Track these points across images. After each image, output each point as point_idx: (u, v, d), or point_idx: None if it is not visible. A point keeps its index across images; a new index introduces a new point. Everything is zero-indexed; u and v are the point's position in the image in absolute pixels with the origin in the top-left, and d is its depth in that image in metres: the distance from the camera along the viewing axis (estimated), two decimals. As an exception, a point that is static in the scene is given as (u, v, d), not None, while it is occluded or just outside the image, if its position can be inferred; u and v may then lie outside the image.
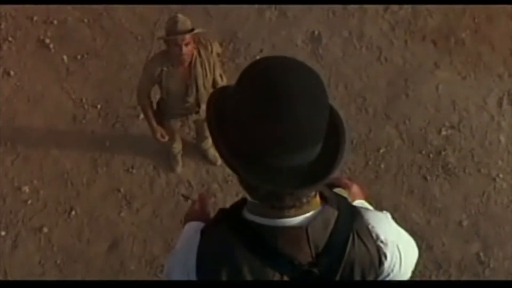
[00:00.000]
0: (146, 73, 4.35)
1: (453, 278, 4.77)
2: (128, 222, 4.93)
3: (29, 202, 4.99)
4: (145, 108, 4.52)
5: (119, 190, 5.03)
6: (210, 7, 5.72)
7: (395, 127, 5.28)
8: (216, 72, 4.38)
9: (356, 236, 1.54)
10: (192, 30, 4.07)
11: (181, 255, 1.63)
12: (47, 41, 5.59)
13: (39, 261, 4.80)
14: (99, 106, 5.34)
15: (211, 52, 4.31)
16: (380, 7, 5.78)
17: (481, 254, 4.84)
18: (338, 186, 1.95)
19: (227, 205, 1.67)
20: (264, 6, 5.75)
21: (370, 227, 1.57)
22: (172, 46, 4.10)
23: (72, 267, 4.78)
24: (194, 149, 5.12)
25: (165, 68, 4.23)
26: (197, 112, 4.53)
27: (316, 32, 5.65)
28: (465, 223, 4.94)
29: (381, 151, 5.18)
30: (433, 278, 4.77)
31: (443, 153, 5.17)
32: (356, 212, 1.59)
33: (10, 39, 5.63)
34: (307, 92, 1.38)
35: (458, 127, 5.28)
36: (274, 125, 1.35)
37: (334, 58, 5.55)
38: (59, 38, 5.62)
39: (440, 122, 5.29)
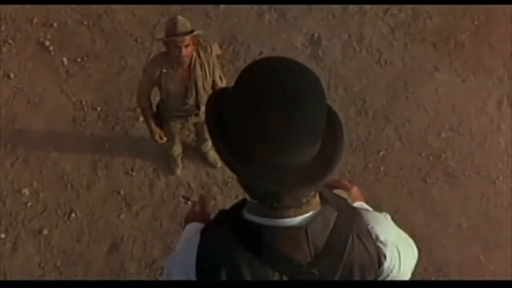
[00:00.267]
0: (146, 75, 4.36)
1: (453, 281, 4.78)
2: (128, 224, 4.93)
3: (29, 204, 4.99)
4: (145, 110, 4.52)
5: (119, 193, 5.03)
6: (210, 9, 5.72)
7: (395, 130, 5.28)
8: (216, 73, 4.38)
9: (355, 237, 1.54)
10: (192, 31, 4.08)
11: (181, 256, 1.63)
12: (47, 43, 5.60)
13: (39, 263, 4.80)
14: (99, 109, 5.34)
15: (211, 53, 4.31)
16: (380, 10, 5.78)
17: (481, 256, 4.83)
18: (338, 188, 1.95)
19: (227, 207, 1.68)
20: (264, 9, 5.75)
21: (369, 228, 1.57)
22: (172, 47, 4.10)
23: (72, 269, 4.78)
24: (194, 152, 5.12)
25: (164, 70, 4.23)
26: (197, 114, 4.53)
27: (316, 35, 5.66)
28: (465, 225, 4.94)
29: (381, 153, 5.18)
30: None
31: (442, 155, 5.17)
32: (356, 213, 1.60)
33: (10, 41, 5.63)
34: (305, 91, 1.39)
35: (457, 130, 5.28)
36: (273, 124, 1.36)
37: (334, 60, 5.56)
38: (59, 40, 5.63)
39: (439, 125, 5.29)
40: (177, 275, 1.63)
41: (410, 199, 5.02)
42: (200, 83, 4.31)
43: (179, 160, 5.08)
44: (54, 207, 4.98)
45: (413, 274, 1.74)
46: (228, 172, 1.51)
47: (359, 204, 1.86)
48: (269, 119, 1.36)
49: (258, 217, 1.51)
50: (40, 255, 4.83)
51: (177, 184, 5.07)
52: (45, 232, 4.89)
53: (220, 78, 4.46)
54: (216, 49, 4.49)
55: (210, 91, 4.40)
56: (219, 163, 4.98)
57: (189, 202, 4.87)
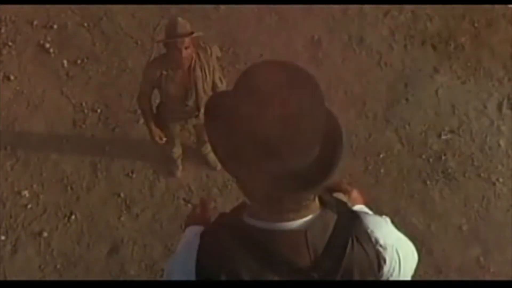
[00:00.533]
0: (146, 77, 4.36)
1: (453, 283, 4.77)
2: (128, 226, 4.93)
3: (29, 206, 4.99)
4: (146, 112, 4.52)
5: (119, 195, 5.02)
6: (210, 11, 5.73)
7: (395, 132, 5.28)
8: (216, 75, 4.39)
9: (355, 241, 1.54)
10: (192, 33, 4.08)
11: (181, 259, 1.63)
12: (47, 45, 5.60)
13: (39, 266, 4.79)
14: (99, 111, 5.34)
15: (211, 55, 4.32)
16: (380, 12, 5.79)
17: (481, 258, 4.83)
18: (338, 191, 1.95)
19: (227, 210, 1.68)
20: (264, 11, 5.75)
21: (369, 231, 1.57)
22: (172, 49, 4.11)
23: (72, 272, 4.77)
24: (194, 154, 5.12)
25: (164, 72, 4.24)
26: (197, 116, 4.53)
27: (316, 37, 5.66)
28: (465, 227, 4.94)
29: (381, 155, 5.18)
30: (433, 282, 4.76)
31: (443, 157, 5.17)
32: (356, 217, 1.60)
33: (10, 43, 5.63)
34: (304, 95, 1.38)
35: (458, 132, 5.28)
36: (272, 128, 1.36)
37: (334, 62, 5.56)
38: (59, 42, 5.63)
39: (440, 127, 5.29)
40: (176, 278, 1.63)
41: (411, 201, 5.01)
42: (200, 85, 4.31)
43: (179, 162, 5.08)
44: (54, 209, 4.98)
45: (413, 276, 1.73)
46: (228, 174, 1.50)
47: (359, 207, 1.86)
48: (267, 123, 1.35)
49: (257, 220, 1.51)
50: (40, 257, 4.83)
51: (177, 186, 5.07)
52: (45, 234, 4.88)
53: (220, 79, 4.46)
54: (216, 51, 4.49)
55: (210, 93, 4.40)
56: (219, 165, 4.95)
57: (189, 205, 4.88)
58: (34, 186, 5.06)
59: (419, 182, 5.09)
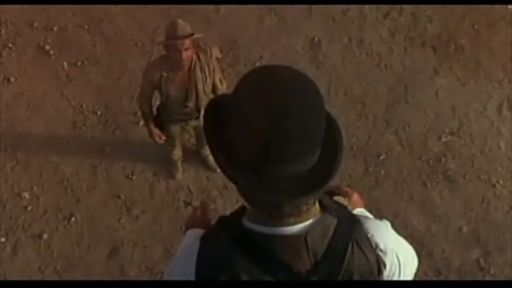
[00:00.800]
0: (146, 78, 4.37)
1: (453, 284, 4.77)
2: (128, 228, 4.93)
3: (29, 208, 4.99)
4: (146, 113, 4.53)
5: (119, 197, 5.03)
6: (210, 13, 5.73)
7: (395, 133, 5.28)
8: (216, 76, 4.39)
9: (355, 245, 1.53)
10: (192, 35, 4.09)
11: (181, 262, 1.63)
12: (47, 47, 5.61)
13: (39, 267, 4.79)
14: (99, 113, 5.34)
15: (211, 56, 4.32)
16: (380, 14, 5.79)
17: (481, 260, 4.83)
18: (338, 195, 1.94)
19: (227, 212, 1.67)
20: (264, 13, 5.76)
21: (369, 235, 1.57)
22: (172, 51, 4.11)
23: (72, 274, 4.77)
24: (194, 156, 5.12)
25: (164, 73, 4.24)
26: (197, 118, 4.53)
27: (316, 39, 5.66)
28: (465, 229, 4.94)
29: (381, 157, 5.18)
30: (434, 284, 4.76)
31: (443, 159, 5.17)
32: (356, 221, 1.59)
33: (10, 45, 5.64)
34: (304, 100, 1.38)
35: (458, 133, 5.29)
36: (272, 134, 1.35)
37: (334, 64, 5.56)
38: (59, 44, 5.64)
39: (440, 129, 5.30)
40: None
41: (411, 202, 5.01)
42: (200, 86, 4.31)
43: (179, 164, 5.08)
44: (54, 211, 4.98)
45: (413, 279, 1.73)
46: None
47: (359, 211, 1.85)
48: (268, 127, 1.35)
49: (257, 225, 1.51)
50: (40, 259, 4.82)
51: (177, 188, 5.07)
52: (45, 236, 4.88)
53: (221, 81, 4.46)
54: (216, 52, 4.49)
55: (210, 94, 4.41)
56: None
57: (189, 207, 4.87)
58: (34, 188, 5.06)
59: (419, 184, 5.09)
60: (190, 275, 1.57)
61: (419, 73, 5.53)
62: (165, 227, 4.93)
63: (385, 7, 5.83)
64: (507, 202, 5.03)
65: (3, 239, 4.89)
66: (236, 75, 5.40)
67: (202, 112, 4.45)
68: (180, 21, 4.11)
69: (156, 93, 4.42)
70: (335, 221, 1.54)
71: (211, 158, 5.02)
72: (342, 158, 1.47)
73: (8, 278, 4.76)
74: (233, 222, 1.57)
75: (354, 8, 5.81)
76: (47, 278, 4.75)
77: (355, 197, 1.98)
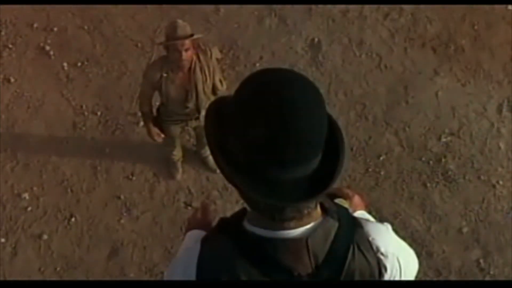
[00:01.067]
0: (146, 79, 4.37)
1: (453, 285, 4.77)
2: (128, 229, 4.93)
3: (29, 209, 4.99)
4: (146, 114, 4.53)
5: (119, 197, 5.02)
6: (210, 14, 5.73)
7: (395, 134, 5.28)
8: (216, 77, 4.39)
9: (356, 248, 1.53)
10: (192, 35, 4.09)
11: (181, 265, 1.62)
12: (47, 48, 5.60)
13: (39, 268, 4.79)
14: (99, 113, 5.34)
15: (211, 57, 4.32)
16: (380, 15, 5.79)
17: (481, 261, 4.83)
18: (340, 197, 1.94)
19: (227, 213, 1.67)
20: (264, 14, 5.76)
21: (370, 239, 1.56)
22: (172, 51, 4.12)
23: (72, 274, 4.77)
24: (194, 156, 5.12)
25: (164, 74, 4.25)
26: (197, 118, 4.53)
27: (316, 40, 5.66)
28: (465, 230, 4.94)
29: (381, 158, 5.18)
30: (433, 285, 4.76)
31: (443, 160, 5.17)
32: (357, 224, 1.59)
33: (10, 46, 5.64)
34: (306, 104, 1.38)
35: (458, 134, 5.29)
36: (274, 138, 1.35)
37: (334, 65, 5.56)
38: (59, 45, 5.63)
39: (440, 129, 5.30)
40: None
41: (411, 203, 5.01)
42: (200, 87, 4.32)
43: (179, 164, 5.08)
44: (54, 212, 4.98)
45: (413, 281, 1.73)
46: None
47: (360, 213, 1.85)
48: (269, 132, 1.35)
49: (258, 228, 1.50)
50: (40, 259, 4.82)
51: (177, 189, 5.07)
52: (45, 236, 4.88)
53: (221, 81, 4.46)
54: (216, 53, 4.50)
55: (210, 95, 4.41)
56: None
57: (189, 208, 4.88)
58: (34, 188, 5.06)
59: (419, 185, 5.09)
60: (191, 278, 1.56)
61: (419, 73, 5.53)
62: (165, 227, 4.93)
63: (385, 8, 5.83)
64: (507, 203, 5.03)
65: (3, 240, 4.89)
66: (236, 75, 5.40)
67: (202, 113, 4.50)
68: (180, 22, 4.12)
69: (156, 93, 4.42)
70: (336, 224, 1.53)
71: (211, 159, 5.02)
72: (344, 161, 1.46)
73: (8, 279, 4.76)
74: (234, 225, 1.56)
75: (354, 8, 5.81)
76: (47, 279, 4.75)
77: (356, 199, 1.98)
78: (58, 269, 4.78)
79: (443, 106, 5.40)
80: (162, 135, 4.67)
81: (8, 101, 5.40)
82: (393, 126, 5.31)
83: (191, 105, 4.41)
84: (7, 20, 5.73)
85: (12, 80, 5.48)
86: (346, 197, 1.96)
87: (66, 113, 5.36)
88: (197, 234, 1.70)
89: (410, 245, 1.74)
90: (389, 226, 1.67)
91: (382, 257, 1.57)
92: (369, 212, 1.92)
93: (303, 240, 1.48)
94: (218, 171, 5.11)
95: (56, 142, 5.25)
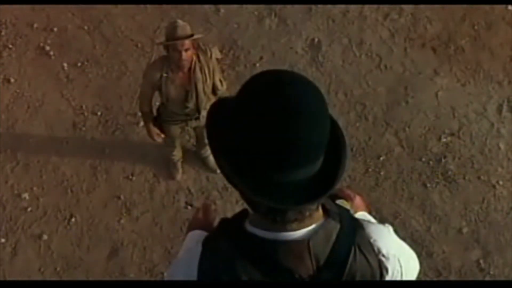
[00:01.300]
0: (146, 79, 4.37)
1: (453, 285, 4.77)
2: (128, 229, 4.93)
3: (29, 209, 4.99)
4: (146, 114, 4.53)
5: (119, 197, 5.02)
6: (210, 14, 5.73)
7: (395, 134, 5.28)
8: (216, 77, 4.39)
9: (357, 250, 1.53)
10: (192, 35, 4.09)
11: (182, 267, 1.62)
12: (47, 48, 5.60)
13: (39, 268, 4.79)
14: (99, 113, 5.34)
15: (211, 57, 4.33)
16: (380, 15, 5.79)
17: (481, 261, 4.83)
18: (341, 198, 1.94)
19: (227, 213, 1.67)
20: (264, 14, 5.76)
21: (372, 240, 1.56)
22: (172, 51, 4.12)
23: (71, 274, 4.77)
24: (194, 157, 5.12)
25: (164, 74, 4.25)
26: (197, 118, 4.53)
27: (316, 40, 5.67)
28: (465, 230, 4.94)
29: (381, 158, 5.18)
30: (433, 285, 4.76)
31: (443, 160, 5.17)
32: (358, 226, 1.58)
33: (10, 46, 5.64)
34: (308, 106, 1.37)
35: (458, 134, 5.29)
36: (277, 140, 1.35)
37: (334, 65, 5.56)
38: (59, 45, 5.64)
39: (440, 129, 5.30)
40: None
41: (411, 203, 5.01)
42: (200, 87, 4.32)
43: (179, 165, 5.08)
44: (54, 212, 4.98)
45: (413, 281, 1.73)
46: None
47: (361, 214, 1.85)
48: (271, 134, 1.35)
49: (260, 230, 1.50)
50: (40, 260, 4.82)
51: (177, 189, 5.07)
52: (45, 237, 4.88)
53: (221, 81, 4.47)
54: (216, 53, 4.50)
55: (210, 95, 4.41)
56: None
57: (189, 208, 4.88)
58: (34, 188, 5.06)
59: (419, 185, 5.09)
60: (192, 279, 1.56)
61: (419, 74, 5.54)
62: (165, 228, 4.93)
63: (385, 8, 5.83)
64: (507, 203, 5.03)
65: (3, 240, 4.89)
66: (236, 75, 5.40)
67: (202, 113, 4.50)
68: (180, 22, 4.13)
69: (156, 93, 4.43)
70: (338, 226, 1.53)
71: (211, 159, 5.02)
72: (346, 164, 1.46)
73: (8, 279, 4.76)
74: (235, 226, 1.56)
75: (354, 9, 5.81)
76: (47, 279, 4.75)
77: (358, 200, 1.98)
78: (58, 269, 4.78)
79: (443, 106, 5.40)
80: (162, 135, 4.67)
81: (8, 101, 5.40)
82: (393, 126, 5.31)
83: (191, 105, 4.41)
84: (7, 20, 5.73)
85: (12, 80, 5.48)
86: (347, 198, 1.96)
87: (66, 113, 5.36)
88: (198, 235, 1.70)
89: (410, 245, 1.74)
90: (390, 228, 1.66)
91: (383, 259, 1.57)
92: (369, 213, 1.92)
93: (305, 242, 1.48)
94: (218, 171, 5.12)
95: (56, 142, 5.25)
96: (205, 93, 4.37)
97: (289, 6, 5.79)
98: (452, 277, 4.77)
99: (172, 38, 4.07)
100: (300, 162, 1.39)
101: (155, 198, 5.04)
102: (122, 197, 5.03)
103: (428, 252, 4.79)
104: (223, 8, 5.78)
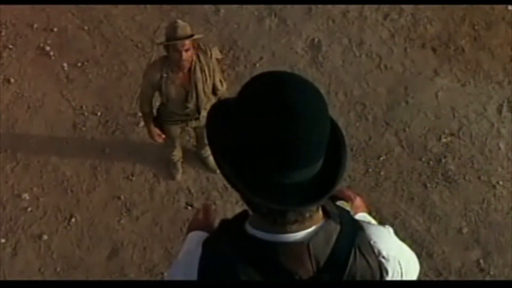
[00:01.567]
0: (146, 79, 4.38)
1: (453, 285, 4.77)
2: (128, 229, 4.93)
3: (29, 209, 4.99)
4: (147, 114, 4.54)
5: (119, 198, 5.03)
6: (210, 14, 5.73)
7: (395, 135, 5.28)
8: (216, 77, 4.39)
9: (358, 252, 1.53)
10: (192, 36, 4.10)
11: (182, 267, 1.62)
12: (47, 48, 5.61)
13: (39, 269, 4.79)
14: (99, 114, 5.34)
15: (211, 57, 4.33)
16: (380, 15, 5.80)
17: (481, 261, 4.83)
18: (341, 199, 1.93)
19: (227, 213, 1.67)
20: (264, 14, 5.76)
21: (372, 242, 1.56)
22: (172, 51, 4.13)
23: (72, 275, 4.77)
24: (194, 157, 5.12)
25: (164, 74, 4.25)
26: (197, 119, 4.53)
27: (316, 40, 5.67)
28: (465, 230, 4.94)
29: (381, 158, 5.18)
30: (433, 285, 4.76)
31: (443, 160, 5.17)
32: (359, 227, 1.58)
33: (10, 46, 5.64)
34: (309, 107, 1.37)
35: (458, 134, 5.29)
36: (277, 141, 1.35)
37: (334, 65, 5.56)
38: (59, 45, 5.64)
39: (440, 129, 5.30)
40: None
41: (411, 203, 5.01)
42: (200, 87, 4.32)
43: (179, 165, 5.08)
44: (54, 212, 4.98)
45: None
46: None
47: (362, 215, 1.84)
48: (271, 136, 1.34)
49: (260, 231, 1.50)
50: (40, 260, 4.82)
51: (177, 189, 5.07)
52: (45, 237, 4.88)
53: (221, 82, 4.47)
54: (216, 53, 4.50)
55: (210, 95, 4.42)
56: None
57: (189, 208, 4.88)
58: (34, 189, 5.06)
59: (419, 185, 5.09)
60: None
61: (419, 74, 5.54)
62: (165, 228, 4.93)
63: (385, 8, 5.84)
64: (507, 203, 5.03)
65: (3, 240, 4.89)
66: (236, 76, 5.41)
67: (202, 113, 4.50)
68: (180, 22, 4.13)
69: (156, 94, 4.43)
70: (338, 227, 1.53)
71: (211, 159, 5.02)
72: (346, 166, 1.46)
73: (8, 279, 4.76)
74: (235, 227, 1.56)
75: (354, 9, 5.82)
76: (47, 279, 4.75)
77: (358, 201, 1.97)
78: (58, 269, 4.78)
79: (443, 106, 5.40)
80: (163, 136, 4.67)
81: (8, 102, 5.40)
82: (393, 127, 5.31)
83: (191, 105, 4.41)
84: (7, 21, 5.73)
85: (12, 80, 5.48)
86: (347, 199, 1.95)
87: (66, 114, 5.36)
88: (198, 236, 1.70)
89: (410, 245, 1.74)
90: (390, 229, 1.66)
91: (383, 260, 1.56)
92: (369, 213, 1.92)
93: (305, 243, 1.48)
94: (218, 171, 5.14)
95: (56, 142, 5.25)
96: (205, 93, 4.37)
97: (289, 6, 5.80)
98: (452, 277, 4.77)
99: (172, 38, 4.07)
100: (300, 163, 1.38)
101: (155, 198, 5.05)
102: (122, 197, 5.03)
103: (428, 252, 4.79)
104: (223, 8, 5.78)
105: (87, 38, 5.68)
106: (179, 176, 5.10)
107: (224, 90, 4.50)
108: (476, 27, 5.76)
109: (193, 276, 1.55)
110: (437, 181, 5.10)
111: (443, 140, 5.26)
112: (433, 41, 5.70)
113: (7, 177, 5.11)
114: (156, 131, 4.61)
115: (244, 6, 5.79)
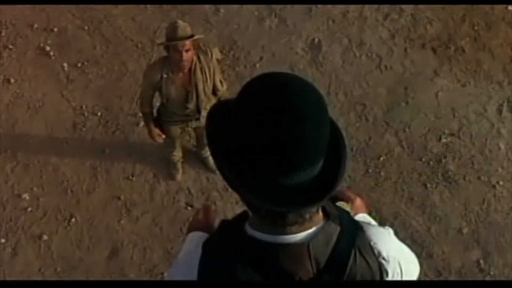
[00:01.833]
0: (146, 80, 4.38)
1: (453, 285, 4.77)
2: (128, 229, 4.93)
3: (29, 209, 4.99)
4: (147, 114, 4.54)
5: (119, 198, 5.03)
6: (210, 15, 5.73)
7: (395, 135, 5.28)
8: (216, 77, 4.40)
9: (358, 253, 1.53)
10: (192, 36, 4.10)
11: (182, 268, 1.62)
12: (48, 48, 5.61)
13: (39, 269, 4.79)
14: (99, 114, 5.34)
15: (211, 57, 4.33)
16: (380, 15, 5.80)
17: (481, 261, 4.83)
18: (341, 199, 1.93)
19: (227, 213, 1.67)
20: (264, 14, 5.76)
21: (372, 243, 1.56)
22: (172, 52, 4.13)
23: (72, 275, 4.77)
24: (194, 157, 5.12)
25: (165, 75, 4.25)
26: (197, 119, 4.53)
27: (316, 40, 5.67)
28: (465, 230, 4.94)
29: (381, 158, 5.18)
30: (433, 285, 4.76)
31: (443, 160, 5.17)
32: (359, 228, 1.58)
33: (10, 46, 5.64)
34: (309, 108, 1.37)
35: (458, 135, 5.29)
36: (277, 141, 1.34)
37: (334, 65, 5.56)
38: (59, 45, 5.64)
39: (440, 130, 5.30)
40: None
41: (411, 204, 5.01)
42: (200, 87, 4.32)
43: (179, 165, 5.08)
44: (54, 213, 4.98)
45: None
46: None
47: (362, 216, 1.84)
48: (271, 137, 1.34)
49: (260, 232, 1.49)
50: (40, 260, 4.82)
51: (177, 189, 5.07)
52: (45, 237, 4.88)
53: (221, 82, 4.47)
54: (216, 53, 4.51)
55: (210, 95, 4.42)
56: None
57: (189, 208, 4.88)
58: (34, 189, 5.06)
59: (419, 185, 5.09)
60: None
61: (419, 74, 5.54)
62: (165, 228, 4.93)
63: (385, 8, 5.84)
64: (507, 203, 5.03)
65: (3, 240, 4.89)
66: (236, 76, 5.40)
67: (203, 113, 4.50)
68: (180, 22, 4.13)
69: (157, 94, 4.43)
70: (338, 228, 1.53)
71: (211, 159, 5.01)
72: (346, 167, 1.46)
73: (8, 279, 4.76)
74: (235, 228, 1.55)
75: (354, 9, 5.82)
76: (47, 279, 4.75)
77: (358, 201, 1.97)
78: (58, 269, 4.78)
79: (443, 106, 5.40)
80: (163, 136, 4.67)
81: (8, 102, 5.40)
82: (393, 127, 5.31)
83: (191, 105, 4.41)
84: (7, 21, 5.73)
85: (12, 80, 5.48)
86: (347, 200, 1.95)
87: (66, 114, 5.36)
88: (198, 237, 1.70)
89: (410, 245, 1.74)
90: (390, 230, 1.66)
91: (383, 261, 1.56)
92: (369, 214, 1.92)
93: (305, 245, 1.48)
94: (218, 171, 5.11)
95: (56, 142, 5.25)
96: (205, 93, 4.37)
97: (289, 6, 5.80)
98: (452, 278, 4.77)
99: (173, 38, 4.07)
100: (300, 164, 1.38)
101: (155, 198, 5.05)
102: (122, 197, 5.03)
103: (428, 253, 4.79)
104: (223, 9, 5.78)
105: (87, 38, 5.68)
106: (179, 177, 5.10)
107: (224, 91, 4.50)
108: (476, 27, 5.76)
109: (193, 276, 1.55)
110: (437, 181, 5.10)
111: (443, 140, 5.26)
112: (433, 41, 5.70)
113: (7, 177, 5.11)
114: (156, 131, 4.61)
115: (244, 6, 5.79)
